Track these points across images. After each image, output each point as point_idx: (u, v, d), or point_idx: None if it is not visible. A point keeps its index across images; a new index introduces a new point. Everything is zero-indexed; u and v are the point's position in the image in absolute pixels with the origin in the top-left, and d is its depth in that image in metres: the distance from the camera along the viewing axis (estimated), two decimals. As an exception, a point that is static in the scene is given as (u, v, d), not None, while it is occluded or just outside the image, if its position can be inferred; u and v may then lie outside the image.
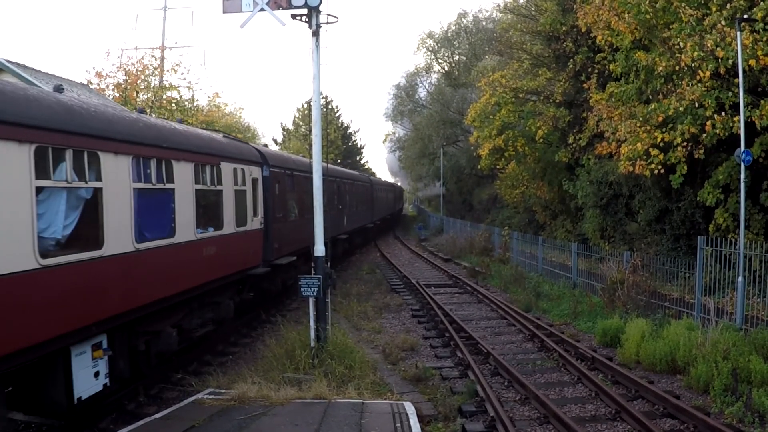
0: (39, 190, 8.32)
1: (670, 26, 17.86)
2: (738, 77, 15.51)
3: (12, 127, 7.87)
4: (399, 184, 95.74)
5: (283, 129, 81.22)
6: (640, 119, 18.89)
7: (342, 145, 79.88)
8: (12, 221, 7.84)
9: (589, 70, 25.92)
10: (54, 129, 8.65)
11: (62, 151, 8.80)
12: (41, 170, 8.37)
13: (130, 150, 10.64)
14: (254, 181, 16.99)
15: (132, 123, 11.23)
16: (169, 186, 12.13)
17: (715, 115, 16.91)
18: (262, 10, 12.88)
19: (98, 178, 9.68)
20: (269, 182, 18.13)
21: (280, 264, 18.73)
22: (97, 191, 9.66)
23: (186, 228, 12.72)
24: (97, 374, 9.82)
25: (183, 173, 12.69)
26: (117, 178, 10.22)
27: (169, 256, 12.04)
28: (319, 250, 13.53)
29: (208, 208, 14.12)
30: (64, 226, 8.98)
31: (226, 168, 15.06)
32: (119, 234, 10.26)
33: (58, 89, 10.40)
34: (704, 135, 17.34)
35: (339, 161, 68.41)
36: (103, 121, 10.13)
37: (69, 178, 8.93)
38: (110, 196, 9.92)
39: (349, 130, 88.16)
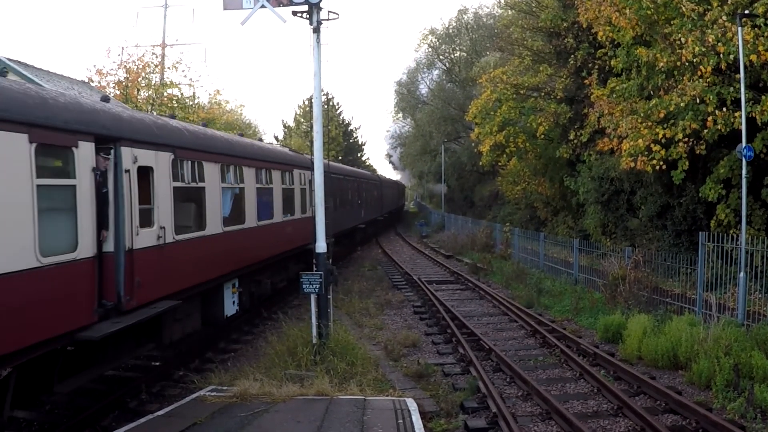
0: (223, 189, 14.82)
1: (671, 22, 17.83)
2: (739, 73, 15.49)
3: (212, 155, 14.37)
4: (401, 180, 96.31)
5: (284, 126, 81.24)
6: (642, 115, 18.86)
7: (343, 142, 79.88)
8: (214, 207, 14.25)
9: (590, 66, 25.89)
10: (227, 154, 15.35)
11: (229, 166, 15.41)
12: (223, 177, 15.03)
13: (252, 164, 16.95)
14: (309, 182, 21.83)
15: (254, 147, 18.06)
16: (269, 186, 18.31)
17: (717, 111, 16.88)
18: (262, 6, 12.87)
19: (241, 181, 16.16)
20: (339, 185, 26.48)
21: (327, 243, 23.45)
22: (241, 190, 16.10)
23: (279, 214, 19.10)
24: (233, 302, 15.41)
25: (276, 177, 19.11)
26: (249, 182, 16.66)
27: (271, 231, 18.16)
28: (320, 246, 13.53)
29: (287, 201, 20.13)
30: (229, 210, 15.31)
31: (296, 173, 21.28)
32: (251, 216, 16.55)
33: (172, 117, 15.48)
34: (705, 131, 17.32)
35: (340, 158, 68.45)
36: (245, 146, 17.39)
37: (231, 181, 15.56)
38: (247, 193, 16.28)
39: (350, 127, 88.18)
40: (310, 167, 20.07)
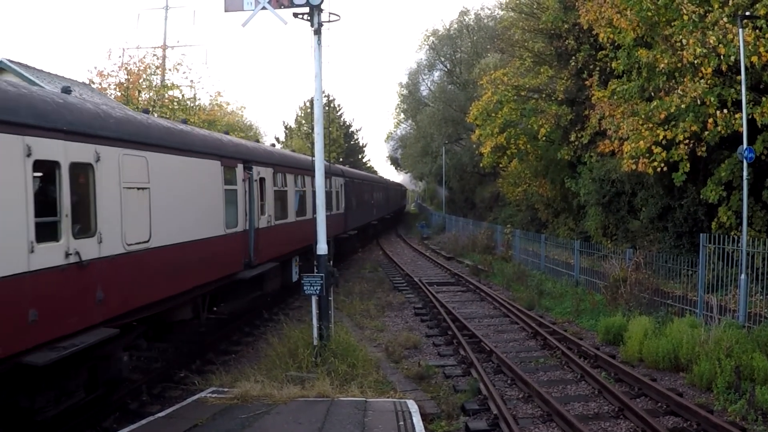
0: (295, 192, 20.44)
1: (672, 23, 17.82)
2: (740, 74, 15.49)
3: (290, 168, 20.41)
4: (402, 181, 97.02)
5: (286, 127, 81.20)
6: (642, 117, 18.86)
7: (344, 144, 79.84)
8: (291, 204, 20.50)
9: (591, 67, 25.88)
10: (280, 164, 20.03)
11: (298, 176, 21.44)
12: (295, 183, 21.19)
13: (308, 173, 19.80)
14: (340, 186, 29.94)
15: (308, 161, 18.69)
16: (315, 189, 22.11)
17: (717, 112, 16.87)
18: (263, 8, 12.88)
19: (303, 186, 21.87)
20: (347, 187, 32.13)
21: (352, 234, 33.96)
22: (304, 192, 21.99)
23: (327, 209, 23.14)
24: (296, 272, 19.45)
25: (328, 183, 23.13)
26: (308, 186, 21.64)
27: (297, 227, 21.33)
28: (322, 248, 13.54)
29: (328, 201, 22.94)
30: (296, 206, 21.09)
31: (335, 180, 28.02)
32: (308, 211, 21.68)
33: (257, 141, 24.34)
34: (706, 132, 17.31)
35: (341, 160, 68.44)
36: (305, 161, 21.79)
37: (299, 186, 21.69)
38: (307, 194, 21.17)
39: (351, 129, 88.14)
40: (337, 174, 29.26)
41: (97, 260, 9.51)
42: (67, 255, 8.82)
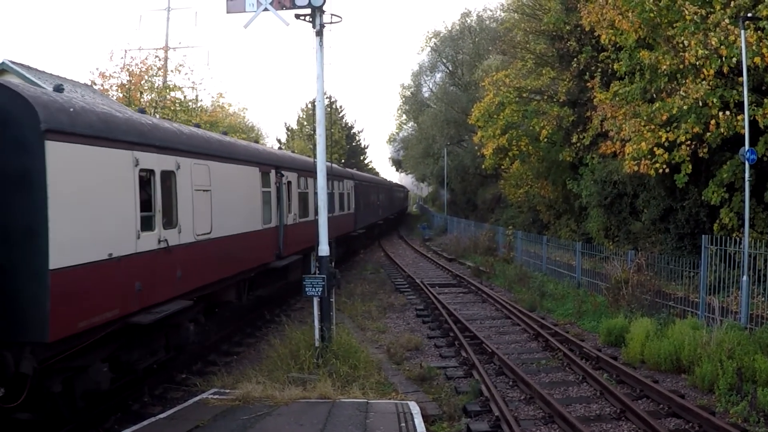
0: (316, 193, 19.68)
1: (674, 24, 17.81)
2: (742, 75, 15.48)
3: (312, 173, 16.38)
4: (402, 180, 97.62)
5: (287, 129, 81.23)
6: (644, 118, 18.85)
7: (346, 145, 79.86)
8: (311, 203, 21.94)
9: (593, 69, 25.88)
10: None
11: (307, 178, 22.15)
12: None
13: (330, 178, 20.50)
14: (351, 188, 33.42)
15: (332, 168, 21.73)
16: (330, 191, 23.46)
17: (720, 114, 16.87)
18: (265, 10, 12.90)
19: (307, 187, 22.46)
20: (356, 189, 35.31)
21: (360, 233, 36.80)
22: (310, 193, 22.86)
23: (339, 209, 28.68)
24: (314, 266, 16.07)
25: (340, 186, 29.36)
26: (311, 188, 21.71)
27: (333, 220, 20.89)
28: (323, 250, 13.55)
29: (340, 201, 29.56)
30: (336, 204, 26.77)
31: (346, 183, 31.89)
32: (334, 208, 25.53)
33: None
34: (708, 134, 17.31)
35: (343, 161, 68.48)
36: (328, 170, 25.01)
37: (330, 188, 23.55)
38: (311, 196, 21.35)
39: (353, 130, 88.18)
40: (348, 177, 33.59)
41: (177, 246, 12.08)
42: (159, 241, 11.44)
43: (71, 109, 9.44)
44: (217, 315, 16.31)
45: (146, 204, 11.10)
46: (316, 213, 19.90)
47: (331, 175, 26.62)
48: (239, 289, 16.35)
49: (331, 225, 14.79)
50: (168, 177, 11.93)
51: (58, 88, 10.37)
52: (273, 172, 18.56)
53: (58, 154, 8.70)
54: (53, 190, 8.53)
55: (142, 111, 14.59)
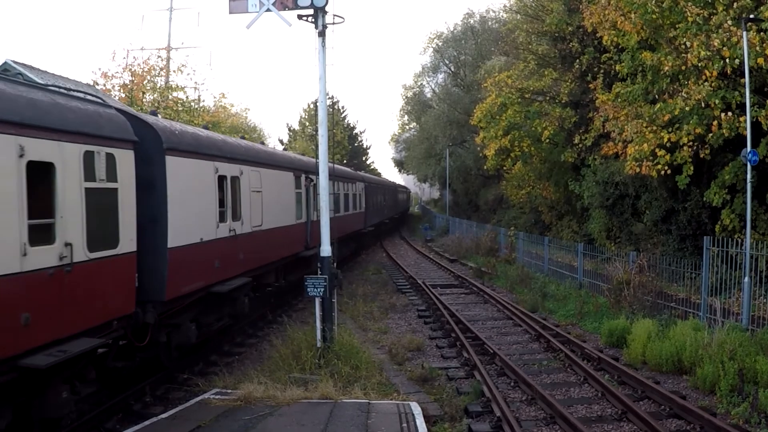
0: (336, 194, 27.43)
1: (676, 26, 17.80)
2: (744, 77, 15.47)
3: (337, 177, 26.77)
4: (405, 183, 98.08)
5: (289, 129, 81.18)
6: (647, 119, 18.84)
7: (348, 146, 79.82)
8: (338, 202, 28.38)
9: (595, 70, 25.88)
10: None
11: (346, 183, 31.31)
12: (343, 188, 30.90)
13: (348, 181, 30.70)
14: (362, 189, 37.19)
15: (350, 173, 33.31)
16: (347, 192, 31.08)
17: (722, 115, 16.85)
18: (268, 10, 12.94)
19: (346, 190, 30.44)
20: (366, 191, 39.23)
21: (370, 230, 41.27)
22: (346, 195, 30.68)
23: (352, 208, 33.13)
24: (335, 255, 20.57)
25: (353, 187, 33.47)
26: (346, 190, 29.87)
27: (347, 218, 29.57)
28: (326, 250, 13.56)
29: (353, 201, 33.63)
30: (333, 204, 24.32)
31: (357, 185, 35.75)
32: (337, 209, 27.11)
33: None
34: (710, 135, 17.29)
35: (345, 162, 68.48)
36: (350, 173, 35.42)
37: (347, 190, 31.76)
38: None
39: (355, 131, 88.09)
40: (360, 179, 37.36)
41: (241, 235, 15.49)
42: (230, 230, 14.87)
43: (177, 132, 12.97)
44: (261, 293, 18.70)
45: (221, 202, 14.18)
46: (335, 211, 23.58)
47: (346, 178, 32.02)
48: (277, 273, 19.49)
49: (345, 222, 20.17)
50: (235, 181, 15.36)
51: (153, 113, 13.89)
52: (303, 176, 21.90)
53: (172, 165, 12.05)
54: (170, 191, 11.88)
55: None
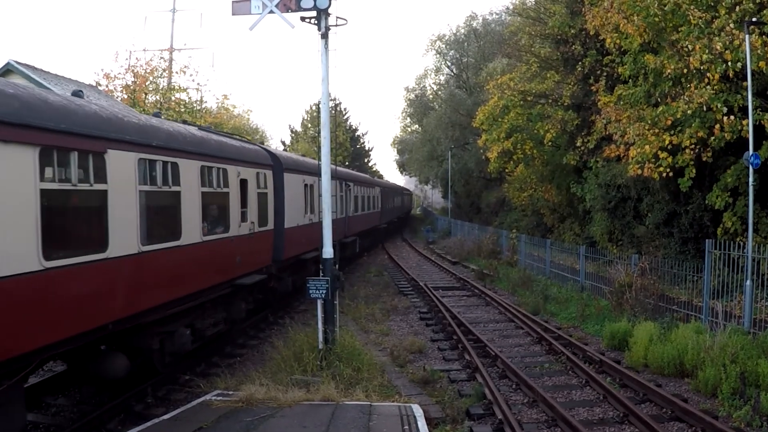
0: (355, 196, 34.74)
1: (679, 29, 17.81)
2: (747, 80, 15.47)
3: (347, 180, 31.33)
4: (406, 185, 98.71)
5: (292, 131, 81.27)
6: (649, 122, 18.84)
7: (350, 148, 79.87)
8: (351, 203, 32.75)
9: (598, 72, 25.88)
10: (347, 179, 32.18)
11: (359, 186, 35.71)
12: (356, 191, 35.57)
13: (362, 185, 36.26)
14: (378, 193, 43.50)
15: (362, 177, 41.29)
16: (366, 194, 37.77)
17: (724, 118, 16.85)
18: (271, 12, 12.93)
19: (360, 192, 35.69)
20: (381, 194, 45.78)
21: (383, 227, 49.35)
22: (363, 197, 36.66)
23: (371, 208, 40.33)
24: (357, 246, 30.18)
25: (372, 191, 41.25)
26: (360, 193, 34.71)
27: (363, 217, 35.66)
28: (327, 252, 13.56)
29: (372, 203, 40.71)
30: (360, 205, 35.32)
31: (375, 189, 43.34)
32: (369, 207, 39.26)
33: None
34: (712, 138, 17.29)
35: (347, 163, 68.53)
36: (364, 178, 42.86)
37: (363, 193, 37.66)
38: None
39: (358, 133, 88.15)
40: (376, 184, 44.47)
41: (316, 223, 20.17)
42: (310, 220, 21.49)
43: (287, 158, 20.93)
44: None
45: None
46: (354, 211, 28.00)
47: (367, 184, 40.20)
48: (333, 249, 21.64)
49: (368, 219, 23.47)
50: (311, 187, 21.93)
51: (157, 114, 15.49)
52: (343, 183, 28.31)
53: (287, 179, 19.12)
54: (285, 194, 18.75)
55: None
